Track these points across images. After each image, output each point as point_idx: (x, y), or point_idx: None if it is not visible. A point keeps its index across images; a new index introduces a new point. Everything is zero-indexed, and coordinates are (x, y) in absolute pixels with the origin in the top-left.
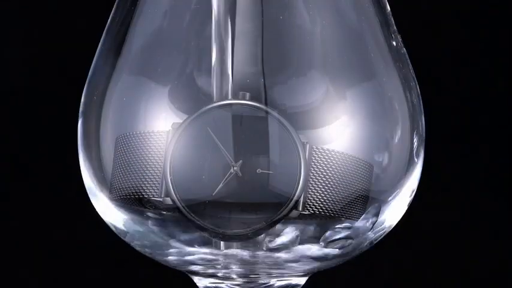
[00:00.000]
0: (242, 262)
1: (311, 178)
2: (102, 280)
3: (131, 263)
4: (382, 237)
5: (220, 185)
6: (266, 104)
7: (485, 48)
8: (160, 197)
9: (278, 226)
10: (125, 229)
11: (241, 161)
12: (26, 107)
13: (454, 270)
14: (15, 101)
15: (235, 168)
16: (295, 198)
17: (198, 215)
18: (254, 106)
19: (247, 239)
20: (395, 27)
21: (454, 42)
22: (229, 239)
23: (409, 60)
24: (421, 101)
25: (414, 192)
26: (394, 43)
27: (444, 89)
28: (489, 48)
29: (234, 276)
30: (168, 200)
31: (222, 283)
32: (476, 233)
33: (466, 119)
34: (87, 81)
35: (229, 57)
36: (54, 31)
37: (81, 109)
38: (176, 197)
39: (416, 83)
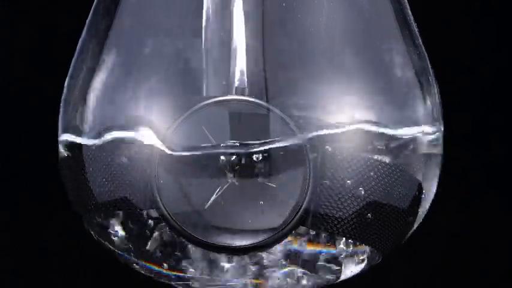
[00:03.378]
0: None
1: (324, 189)
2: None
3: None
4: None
5: (214, 196)
6: (267, 100)
7: (499, 45)
8: (145, 209)
9: None
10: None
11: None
12: (4, 103)
13: (459, 274)
14: None
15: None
16: (301, 212)
17: (190, 228)
18: (254, 103)
19: (244, 254)
20: (411, 16)
21: (468, 37)
22: (225, 252)
23: (425, 52)
24: (440, 97)
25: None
26: (409, 33)
27: (454, 86)
28: (503, 45)
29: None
30: (154, 213)
31: None
32: (484, 236)
33: (481, 116)
34: (68, 76)
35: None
36: (34, 24)
37: (62, 106)
38: (164, 208)
39: (434, 78)
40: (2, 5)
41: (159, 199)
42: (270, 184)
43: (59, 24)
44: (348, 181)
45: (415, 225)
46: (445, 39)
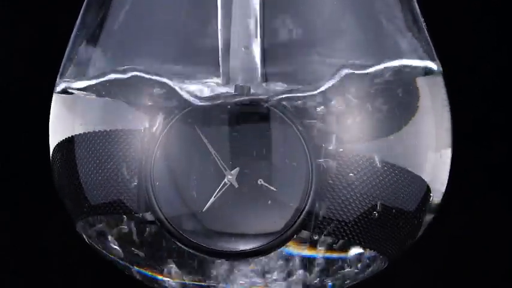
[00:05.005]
0: None
1: (327, 191)
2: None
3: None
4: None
5: (212, 199)
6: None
7: (500, 44)
8: (140, 212)
9: None
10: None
11: (237, 169)
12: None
13: (461, 275)
14: None
15: (230, 177)
16: (303, 215)
17: (187, 232)
18: (253, 101)
19: (244, 259)
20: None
21: (469, 37)
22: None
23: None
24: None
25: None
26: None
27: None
28: (504, 44)
29: None
30: (149, 216)
31: None
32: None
33: (481, 115)
34: (59, 73)
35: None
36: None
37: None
38: (160, 211)
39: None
40: (2, 5)
41: (154, 202)
42: (270, 187)
43: (59, 24)
44: (352, 183)
45: (423, 229)
46: (445, 38)
